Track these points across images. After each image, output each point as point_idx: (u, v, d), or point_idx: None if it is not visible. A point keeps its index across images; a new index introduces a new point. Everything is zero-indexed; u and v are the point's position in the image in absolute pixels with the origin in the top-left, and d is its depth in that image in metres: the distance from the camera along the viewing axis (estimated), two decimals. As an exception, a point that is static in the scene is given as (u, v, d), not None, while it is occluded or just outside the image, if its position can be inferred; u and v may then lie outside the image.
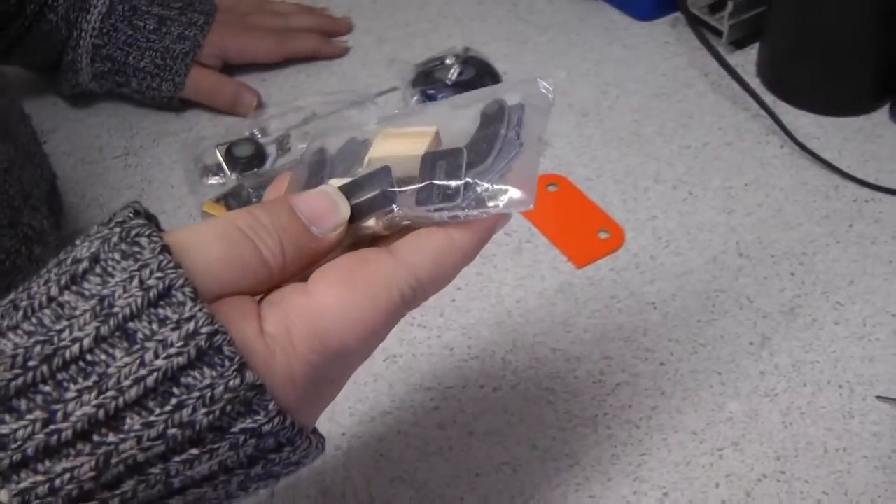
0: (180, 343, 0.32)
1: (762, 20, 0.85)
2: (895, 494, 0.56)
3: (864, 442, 0.58)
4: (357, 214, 0.39)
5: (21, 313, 0.32)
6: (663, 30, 0.92)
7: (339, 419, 0.60)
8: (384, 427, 0.60)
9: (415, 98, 0.79)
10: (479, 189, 0.38)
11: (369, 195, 0.39)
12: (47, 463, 0.30)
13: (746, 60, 0.87)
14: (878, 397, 0.60)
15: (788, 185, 0.75)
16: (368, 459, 0.58)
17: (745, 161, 0.77)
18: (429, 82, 0.80)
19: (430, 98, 0.79)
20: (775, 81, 0.84)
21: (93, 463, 0.31)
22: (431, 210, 0.38)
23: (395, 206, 0.38)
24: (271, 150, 0.78)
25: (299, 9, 0.92)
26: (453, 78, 0.80)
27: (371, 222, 0.39)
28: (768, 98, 0.82)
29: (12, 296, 0.33)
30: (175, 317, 0.32)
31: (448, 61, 0.81)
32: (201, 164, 0.76)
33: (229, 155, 0.76)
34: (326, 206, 0.38)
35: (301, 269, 0.37)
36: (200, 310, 0.32)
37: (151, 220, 0.35)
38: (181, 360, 0.32)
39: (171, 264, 0.32)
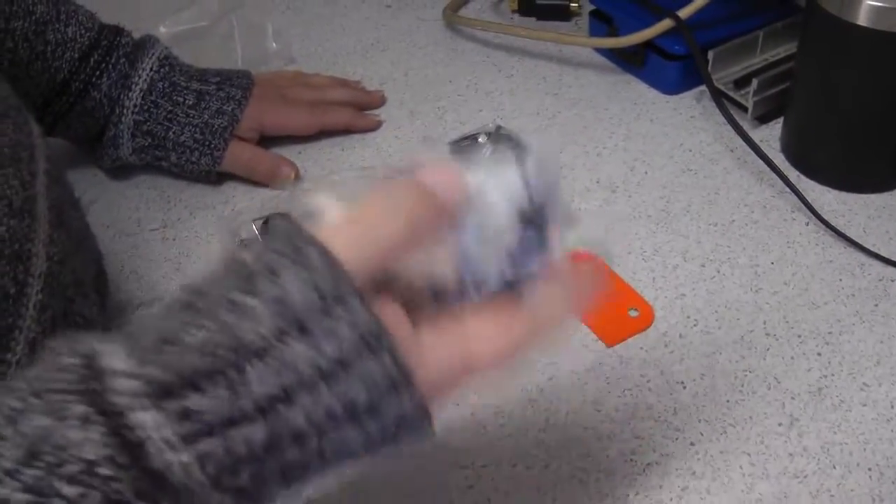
0: (349, 335, 0.36)
1: (786, 96, 0.87)
2: (924, 579, 0.57)
3: (893, 526, 0.59)
4: None
5: (200, 314, 0.36)
6: (689, 104, 0.94)
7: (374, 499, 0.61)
8: (419, 506, 0.61)
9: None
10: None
11: None
12: (229, 430, 0.35)
13: (770, 135, 0.88)
14: (907, 481, 0.61)
15: (814, 263, 0.76)
16: (405, 538, 0.60)
17: (770, 238, 0.79)
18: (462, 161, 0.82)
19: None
20: (799, 157, 0.86)
21: (265, 431, 0.35)
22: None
23: None
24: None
25: (334, 82, 0.95)
26: (487, 157, 0.81)
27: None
28: (792, 174, 0.84)
29: (185, 299, 0.37)
30: (347, 316, 0.36)
31: (480, 139, 0.83)
32: (237, 238, 0.78)
33: (266, 229, 0.78)
34: (452, 177, 0.43)
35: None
36: (366, 310, 0.37)
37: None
38: (350, 352, 0.36)
39: (340, 272, 0.37)
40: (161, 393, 0.34)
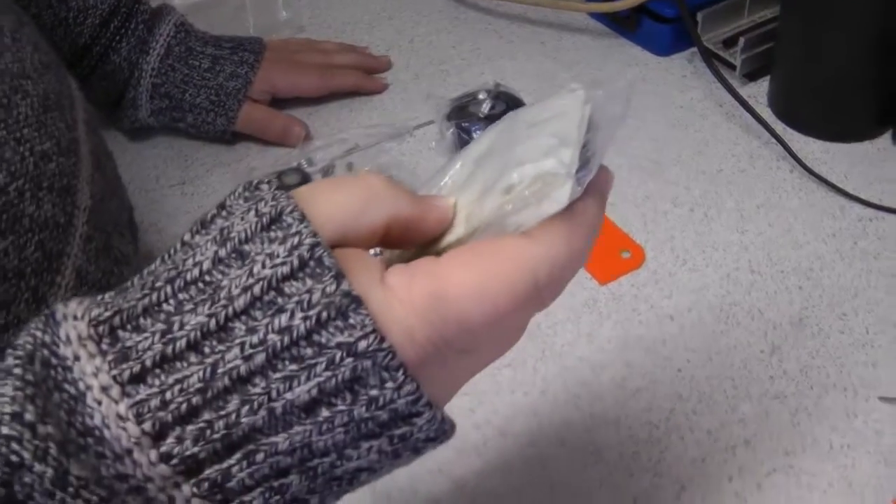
0: (285, 254, 0.34)
1: (772, 54, 0.91)
2: None
3: (867, 439, 0.63)
4: None
5: (159, 260, 0.36)
6: (681, 64, 0.98)
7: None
8: (424, 427, 0.66)
9: (450, 130, 0.85)
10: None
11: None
12: (161, 376, 0.33)
13: (758, 92, 0.93)
14: (881, 398, 0.65)
15: (797, 207, 0.81)
16: (410, 456, 0.64)
17: (756, 185, 0.83)
18: (462, 116, 0.86)
19: (465, 130, 0.85)
20: (785, 111, 0.90)
21: (200, 373, 0.33)
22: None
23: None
24: (317, 178, 0.84)
25: (342, 47, 0.99)
26: (486, 111, 0.86)
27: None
28: (778, 127, 0.88)
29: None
30: (282, 234, 0.34)
31: (480, 96, 0.87)
32: (253, 192, 0.82)
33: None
34: (444, 204, 0.40)
35: (406, 239, 0.39)
36: (305, 227, 0.34)
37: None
38: (284, 269, 0.33)
39: (283, 196, 0.35)
40: (104, 333, 0.34)
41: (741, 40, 0.92)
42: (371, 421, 0.35)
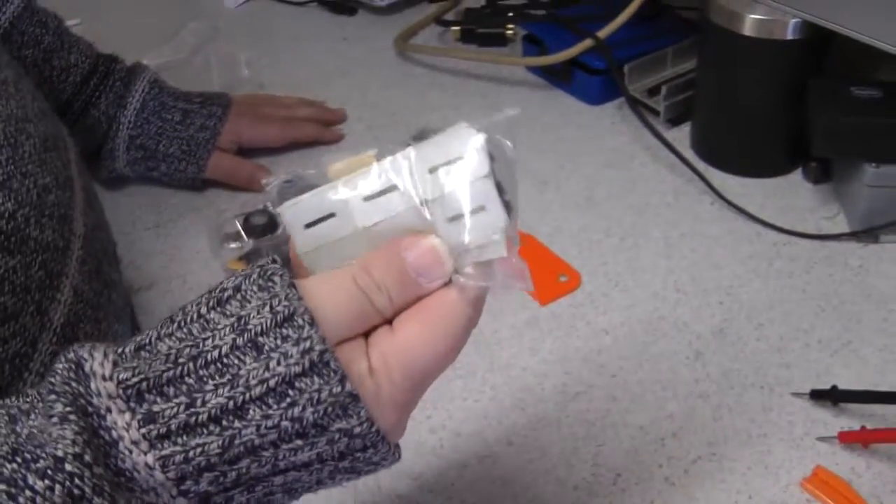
0: (298, 356, 0.39)
1: (692, 101, 1.01)
2: (806, 468, 0.68)
3: (780, 428, 0.71)
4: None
5: (175, 325, 0.41)
6: (610, 112, 1.08)
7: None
8: (386, 432, 0.73)
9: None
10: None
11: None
12: (185, 438, 0.39)
13: (681, 135, 1.02)
14: (793, 394, 0.73)
15: (718, 234, 0.89)
16: (375, 456, 0.71)
17: (681, 217, 0.92)
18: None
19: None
20: (706, 151, 0.99)
21: (220, 442, 0.39)
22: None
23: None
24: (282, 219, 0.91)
25: (302, 101, 1.08)
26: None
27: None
28: (700, 165, 0.97)
29: (171, 314, 0.42)
30: (295, 336, 0.40)
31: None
32: (222, 233, 0.90)
33: (247, 223, 0.89)
34: (433, 260, 0.44)
35: (408, 306, 0.44)
36: (315, 332, 0.40)
37: (285, 268, 0.43)
38: (297, 368, 0.39)
39: (296, 296, 0.40)
40: (132, 395, 0.39)
41: (664, 89, 1.01)
42: (351, 469, 0.43)
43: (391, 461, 0.45)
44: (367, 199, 0.45)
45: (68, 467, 0.36)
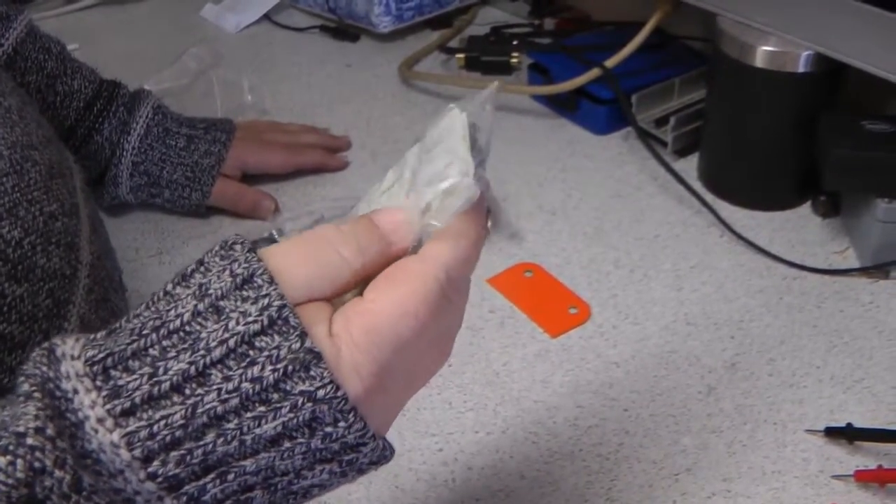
0: (256, 313, 0.39)
1: (700, 132, 1.01)
2: (821, 507, 0.68)
3: (795, 465, 0.70)
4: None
5: (144, 306, 0.41)
6: (617, 142, 1.07)
7: (358, 459, 0.72)
8: (398, 466, 0.71)
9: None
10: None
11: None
12: (150, 412, 0.38)
13: (689, 166, 1.02)
14: (807, 431, 0.73)
15: (728, 267, 0.89)
16: (386, 491, 0.69)
17: (690, 249, 0.91)
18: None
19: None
20: (714, 183, 0.98)
21: (183, 412, 0.38)
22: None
23: None
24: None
25: (306, 128, 1.07)
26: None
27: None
28: (708, 197, 0.96)
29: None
30: (254, 295, 0.40)
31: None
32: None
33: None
34: (402, 219, 0.45)
35: (379, 270, 0.44)
36: (274, 289, 0.40)
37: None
38: (256, 326, 0.39)
39: (254, 258, 0.41)
40: (98, 372, 0.38)
41: (672, 120, 1.01)
42: (325, 450, 0.42)
43: (376, 453, 0.43)
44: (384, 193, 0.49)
45: (29, 440, 0.36)
